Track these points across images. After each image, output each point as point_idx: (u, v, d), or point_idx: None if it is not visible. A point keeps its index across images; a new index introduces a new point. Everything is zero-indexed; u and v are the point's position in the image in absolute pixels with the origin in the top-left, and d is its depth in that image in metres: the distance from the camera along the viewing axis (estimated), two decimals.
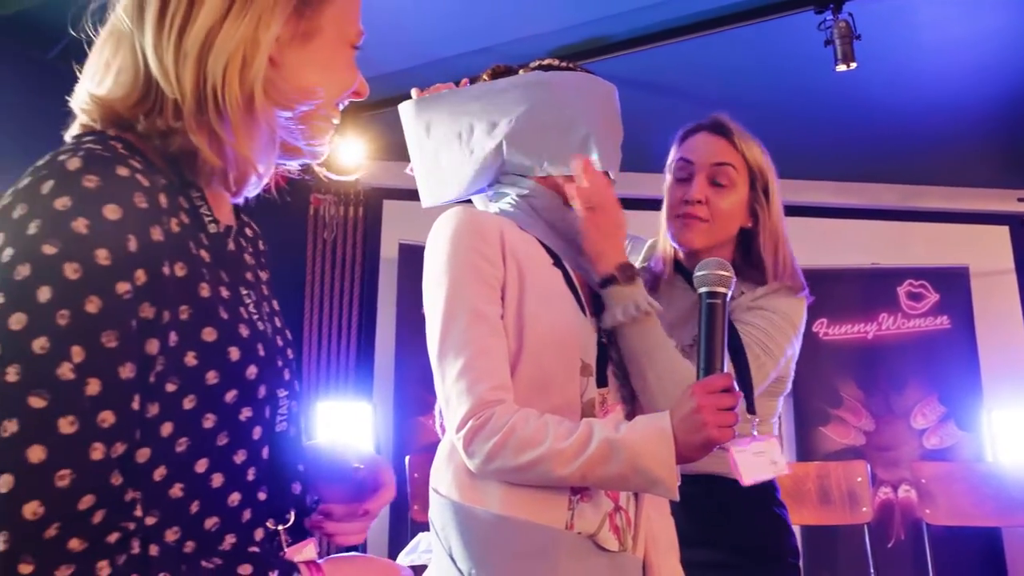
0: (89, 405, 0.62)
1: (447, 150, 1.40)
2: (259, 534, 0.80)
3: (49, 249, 0.63)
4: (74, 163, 0.67)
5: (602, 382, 1.30)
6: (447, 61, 3.47)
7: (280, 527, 0.82)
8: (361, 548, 3.66)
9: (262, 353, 0.78)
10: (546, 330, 1.23)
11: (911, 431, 4.43)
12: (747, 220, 1.59)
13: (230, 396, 0.74)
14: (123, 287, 0.65)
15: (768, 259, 1.56)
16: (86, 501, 0.61)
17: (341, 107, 0.88)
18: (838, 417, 4.48)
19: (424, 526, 3.10)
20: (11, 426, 0.60)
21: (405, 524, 3.35)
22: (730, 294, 1.22)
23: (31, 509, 0.59)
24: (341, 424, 3.83)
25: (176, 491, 0.71)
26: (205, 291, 0.74)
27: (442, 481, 1.25)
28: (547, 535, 1.18)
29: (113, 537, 0.63)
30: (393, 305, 4.31)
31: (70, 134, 0.78)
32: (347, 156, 4.14)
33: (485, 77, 1.42)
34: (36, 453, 0.59)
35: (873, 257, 4.74)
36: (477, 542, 1.18)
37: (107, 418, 0.63)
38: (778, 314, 1.50)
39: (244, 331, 0.77)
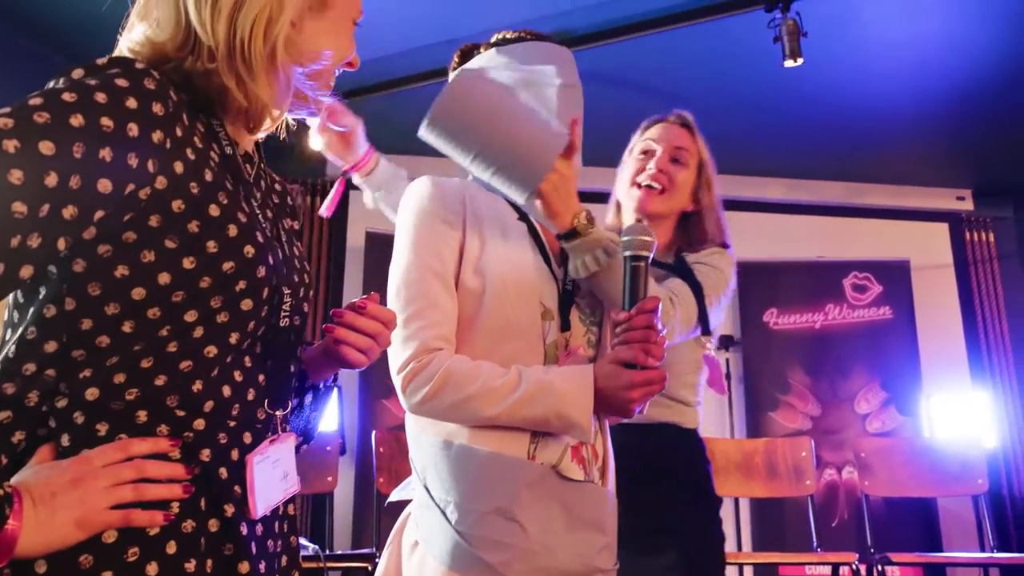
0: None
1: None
2: (260, 414, 0.90)
3: (68, 96, 0.75)
4: (103, 61, 0.82)
5: (565, 327, 1.40)
6: (414, 52, 3.59)
7: (278, 412, 0.93)
8: (329, 498, 3.71)
9: (271, 260, 0.89)
10: (505, 277, 1.34)
11: (855, 415, 4.64)
12: (690, 203, 1.85)
13: (240, 286, 0.86)
14: (105, 152, 0.76)
15: (711, 231, 1.85)
16: None
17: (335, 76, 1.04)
18: (786, 403, 4.68)
19: (389, 500, 3.19)
20: None
21: (371, 495, 3.44)
22: (651, 257, 1.32)
23: None
24: None
25: (172, 347, 0.82)
26: (224, 199, 0.86)
27: (415, 422, 1.36)
28: (509, 465, 1.27)
29: None
30: (360, 293, 4.39)
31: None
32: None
33: (456, 58, 1.56)
34: None
35: (819, 251, 4.96)
36: (447, 473, 1.29)
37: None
38: (716, 268, 1.76)
39: (260, 237, 0.89)
